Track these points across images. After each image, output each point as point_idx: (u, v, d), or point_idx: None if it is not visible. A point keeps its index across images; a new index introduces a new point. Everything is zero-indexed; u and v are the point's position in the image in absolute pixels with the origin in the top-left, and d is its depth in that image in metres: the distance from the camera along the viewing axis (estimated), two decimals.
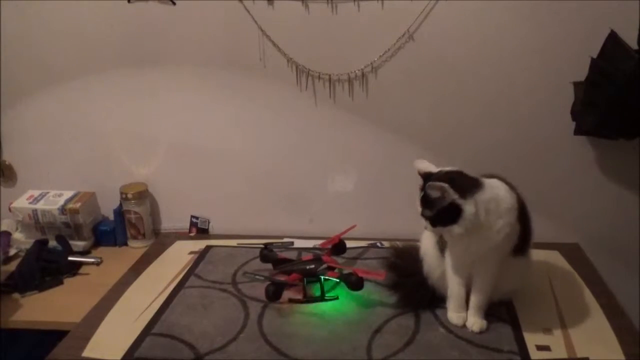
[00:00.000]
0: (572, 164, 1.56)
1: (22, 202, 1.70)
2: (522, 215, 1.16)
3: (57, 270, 1.55)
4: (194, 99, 1.67)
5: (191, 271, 1.50)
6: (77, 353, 1.18)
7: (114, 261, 1.63)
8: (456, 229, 1.05)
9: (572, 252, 1.53)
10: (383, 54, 1.53)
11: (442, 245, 1.22)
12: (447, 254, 1.21)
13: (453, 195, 1.03)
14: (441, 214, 1.05)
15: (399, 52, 1.53)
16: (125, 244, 1.76)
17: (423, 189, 1.08)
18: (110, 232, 1.75)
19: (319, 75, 1.59)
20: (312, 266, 1.36)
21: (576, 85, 1.46)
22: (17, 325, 1.37)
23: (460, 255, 1.17)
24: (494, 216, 1.08)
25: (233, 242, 1.66)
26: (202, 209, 1.77)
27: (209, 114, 1.68)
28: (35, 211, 1.68)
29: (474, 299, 1.20)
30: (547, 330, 1.19)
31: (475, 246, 1.11)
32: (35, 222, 1.69)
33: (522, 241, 1.17)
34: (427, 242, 1.28)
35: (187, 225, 1.78)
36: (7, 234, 1.72)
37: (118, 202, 1.73)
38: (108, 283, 1.46)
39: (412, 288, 1.29)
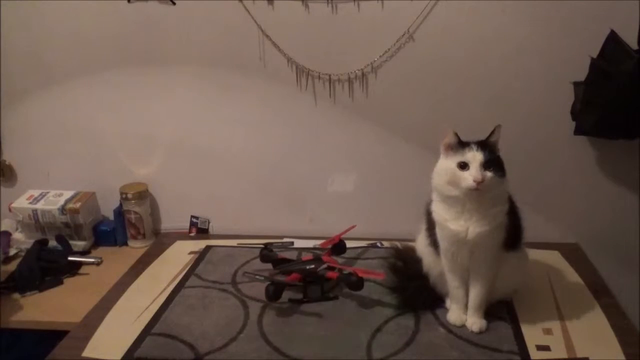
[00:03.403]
0: (572, 164, 1.56)
1: (22, 202, 1.70)
2: (511, 209, 1.17)
3: (57, 270, 1.55)
4: (193, 98, 1.67)
5: (191, 271, 1.50)
6: (77, 353, 1.18)
7: (114, 261, 1.63)
8: (502, 180, 1.11)
9: (572, 252, 1.53)
10: (383, 54, 1.54)
11: (436, 245, 1.22)
12: (442, 256, 1.20)
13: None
14: (497, 161, 1.11)
15: (399, 52, 1.53)
16: (125, 244, 1.76)
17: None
18: (110, 232, 1.75)
19: (319, 75, 1.59)
20: (312, 266, 1.36)
21: (576, 85, 1.46)
22: (17, 325, 1.37)
23: (456, 250, 1.17)
24: (496, 199, 1.13)
25: (233, 242, 1.66)
26: (202, 209, 1.77)
27: (209, 114, 1.68)
28: (35, 211, 1.68)
29: (472, 298, 1.20)
30: (547, 330, 1.19)
31: (475, 227, 1.12)
32: (35, 222, 1.69)
33: (513, 235, 1.18)
34: (421, 244, 1.28)
35: (187, 225, 1.78)
36: (7, 234, 1.72)
37: (118, 202, 1.73)
38: (108, 283, 1.46)
39: (413, 290, 1.29)
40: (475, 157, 1.09)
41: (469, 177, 1.08)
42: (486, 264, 1.17)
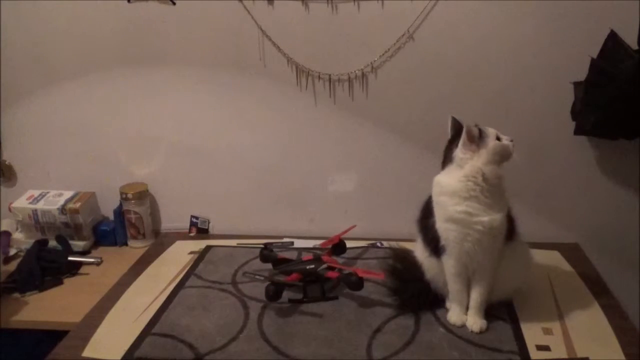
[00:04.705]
0: (572, 164, 1.56)
1: (22, 202, 1.70)
2: None
3: (57, 270, 1.55)
4: (193, 98, 1.67)
5: (191, 271, 1.50)
6: (77, 353, 1.18)
7: (114, 261, 1.63)
8: None
9: (572, 252, 1.53)
10: (383, 54, 1.54)
11: (437, 254, 1.22)
12: (451, 260, 1.20)
13: None
14: None
15: (399, 52, 1.53)
16: (125, 244, 1.76)
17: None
18: (110, 232, 1.75)
19: (319, 75, 1.59)
20: (312, 266, 1.36)
21: (576, 85, 1.46)
22: (17, 325, 1.37)
23: (480, 245, 1.16)
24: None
25: (233, 242, 1.66)
26: (202, 209, 1.77)
27: (209, 114, 1.68)
28: (35, 211, 1.68)
29: (475, 298, 1.20)
30: (547, 330, 1.19)
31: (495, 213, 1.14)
32: (35, 222, 1.69)
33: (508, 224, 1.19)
34: (421, 256, 1.28)
35: (187, 225, 1.78)
36: (7, 234, 1.72)
37: (118, 202, 1.73)
38: (108, 283, 1.46)
39: (413, 292, 1.29)
40: (494, 130, 1.18)
41: (509, 142, 1.16)
42: (493, 256, 1.17)
